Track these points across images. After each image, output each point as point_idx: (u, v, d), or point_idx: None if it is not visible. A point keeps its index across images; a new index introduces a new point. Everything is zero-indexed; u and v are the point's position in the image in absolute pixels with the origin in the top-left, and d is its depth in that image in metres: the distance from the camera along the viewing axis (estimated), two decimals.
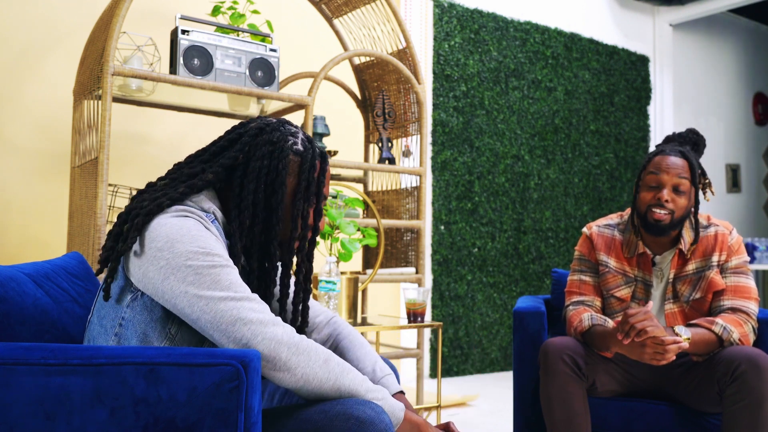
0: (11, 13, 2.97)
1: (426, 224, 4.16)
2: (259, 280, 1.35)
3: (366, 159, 3.34)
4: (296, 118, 3.42)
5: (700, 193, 2.28)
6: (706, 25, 6.09)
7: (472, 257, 4.47)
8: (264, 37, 2.78)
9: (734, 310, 1.88)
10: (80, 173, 2.55)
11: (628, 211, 2.07)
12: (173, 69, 2.47)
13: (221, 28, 2.70)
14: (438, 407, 2.63)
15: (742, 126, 6.42)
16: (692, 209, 1.93)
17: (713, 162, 6.09)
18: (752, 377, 1.68)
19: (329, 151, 3.05)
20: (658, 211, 1.88)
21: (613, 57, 5.33)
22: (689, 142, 2.02)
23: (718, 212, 5.98)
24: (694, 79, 6.01)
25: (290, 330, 1.16)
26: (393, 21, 3.03)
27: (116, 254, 1.20)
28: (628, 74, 5.43)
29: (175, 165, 1.35)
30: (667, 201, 1.87)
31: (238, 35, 2.74)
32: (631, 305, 1.99)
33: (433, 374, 4.22)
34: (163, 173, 1.41)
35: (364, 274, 2.88)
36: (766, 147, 6.63)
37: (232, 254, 1.25)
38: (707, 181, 2.00)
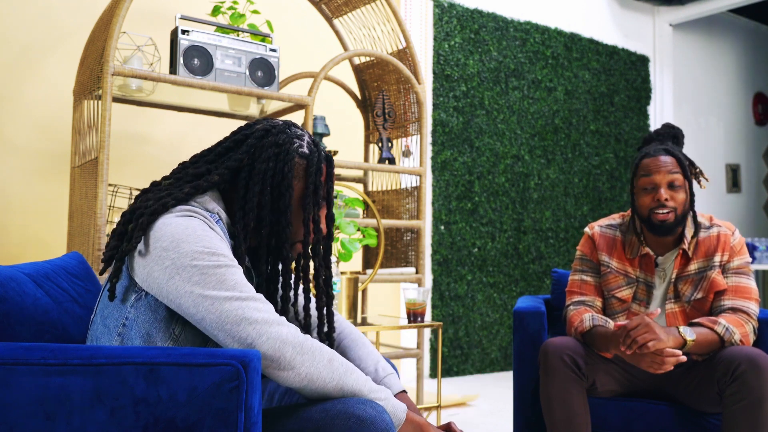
0: (11, 13, 2.97)
1: (426, 224, 4.16)
2: (268, 282, 1.36)
3: (366, 159, 3.34)
4: (296, 118, 3.42)
5: (695, 183, 2.30)
6: (706, 25, 6.09)
7: (472, 257, 4.47)
8: (264, 37, 2.78)
9: (735, 310, 1.88)
10: (80, 173, 2.55)
11: (630, 211, 2.07)
12: (173, 69, 2.47)
13: (221, 28, 2.70)
14: (438, 407, 2.63)
15: (742, 126, 6.42)
16: (691, 202, 1.94)
17: (713, 162, 6.09)
18: (752, 377, 1.68)
19: (329, 151, 3.05)
20: (660, 212, 1.89)
21: (613, 57, 5.33)
22: (668, 137, 2.04)
23: (718, 212, 5.98)
24: (694, 79, 6.01)
25: (295, 329, 1.16)
26: (393, 21, 3.03)
27: (120, 254, 1.20)
28: (628, 74, 5.43)
29: (179, 165, 1.35)
30: (666, 200, 1.88)
31: (238, 35, 2.74)
32: (632, 306, 1.99)
33: (433, 374, 4.22)
34: (163, 173, 1.42)
35: (364, 274, 2.88)
36: (766, 147, 6.63)
37: (237, 255, 1.26)
38: (697, 170, 2.01)
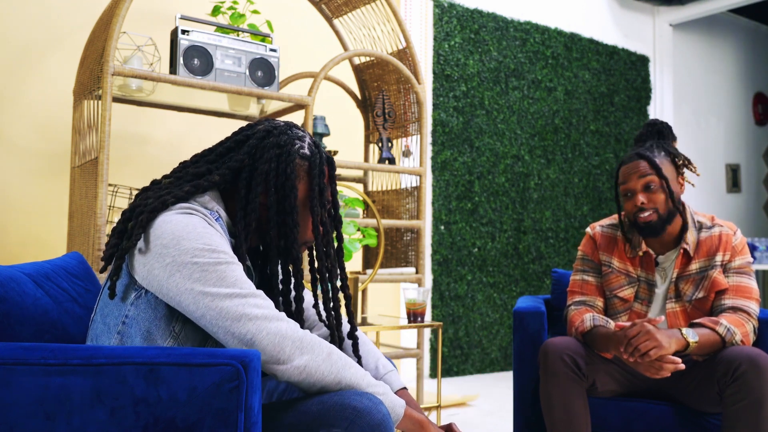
0: (11, 13, 2.97)
1: (426, 224, 4.16)
2: (282, 283, 1.37)
3: (366, 159, 3.34)
4: (296, 118, 3.42)
5: (691, 176, 2.30)
6: (706, 25, 6.09)
7: (472, 257, 4.47)
8: (264, 37, 2.78)
9: (735, 309, 1.88)
10: (80, 173, 2.55)
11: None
12: (173, 69, 2.47)
13: (221, 28, 2.70)
14: (438, 407, 2.63)
15: (742, 126, 6.42)
16: (678, 199, 1.94)
17: (713, 162, 6.09)
18: (752, 377, 1.68)
19: (329, 151, 3.05)
20: (642, 215, 1.92)
21: (613, 57, 5.33)
22: (652, 135, 2.04)
23: (718, 212, 5.98)
24: (694, 79, 6.01)
25: (294, 325, 1.17)
26: (393, 21, 3.03)
27: (120, 252, 1.20)
28: (628, 74, 5.43)
29: (180, 164, 1.35)
30: (644, 203, 1.91)
31: (238, 35, 2.74)
32: (634, 305, 2.00)
33: (433, 374, 4.22)
34: (163, 173, 1.42)
35: (364, 274, 2.88)
36: (766, 147, 6.63)
37: (237, 254, 1.26)
38: (681, 162, 1.98)
